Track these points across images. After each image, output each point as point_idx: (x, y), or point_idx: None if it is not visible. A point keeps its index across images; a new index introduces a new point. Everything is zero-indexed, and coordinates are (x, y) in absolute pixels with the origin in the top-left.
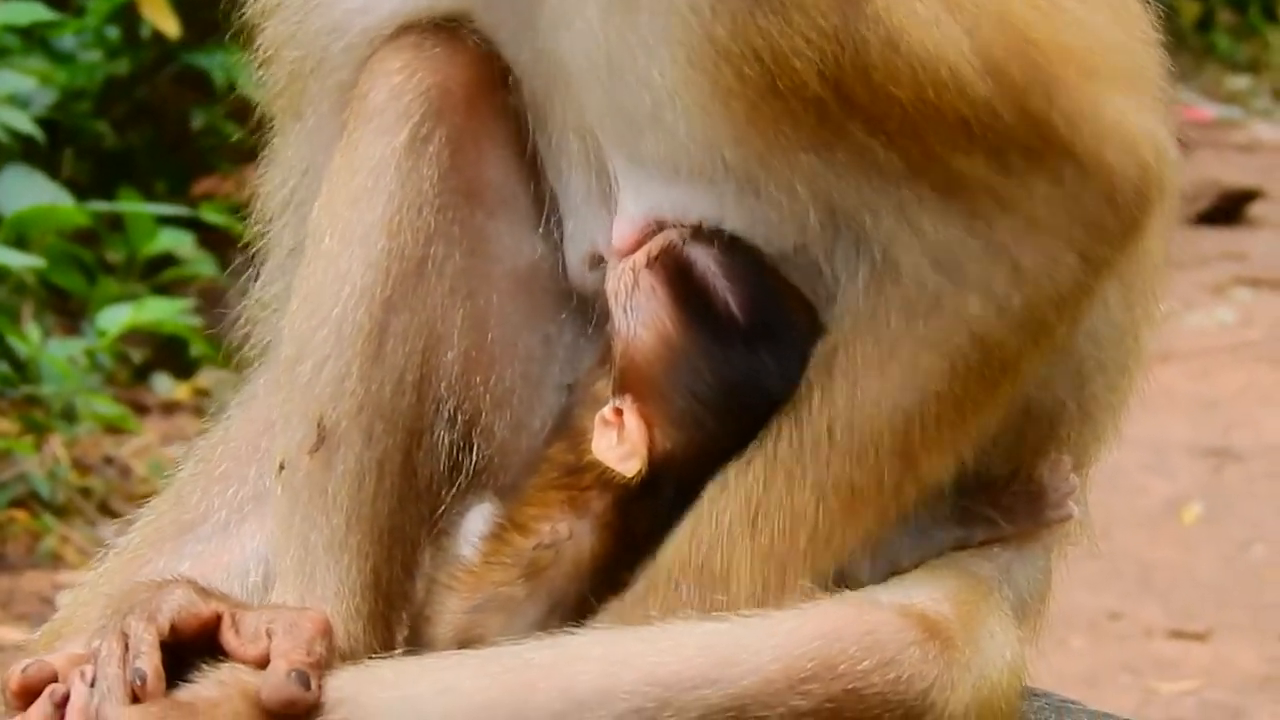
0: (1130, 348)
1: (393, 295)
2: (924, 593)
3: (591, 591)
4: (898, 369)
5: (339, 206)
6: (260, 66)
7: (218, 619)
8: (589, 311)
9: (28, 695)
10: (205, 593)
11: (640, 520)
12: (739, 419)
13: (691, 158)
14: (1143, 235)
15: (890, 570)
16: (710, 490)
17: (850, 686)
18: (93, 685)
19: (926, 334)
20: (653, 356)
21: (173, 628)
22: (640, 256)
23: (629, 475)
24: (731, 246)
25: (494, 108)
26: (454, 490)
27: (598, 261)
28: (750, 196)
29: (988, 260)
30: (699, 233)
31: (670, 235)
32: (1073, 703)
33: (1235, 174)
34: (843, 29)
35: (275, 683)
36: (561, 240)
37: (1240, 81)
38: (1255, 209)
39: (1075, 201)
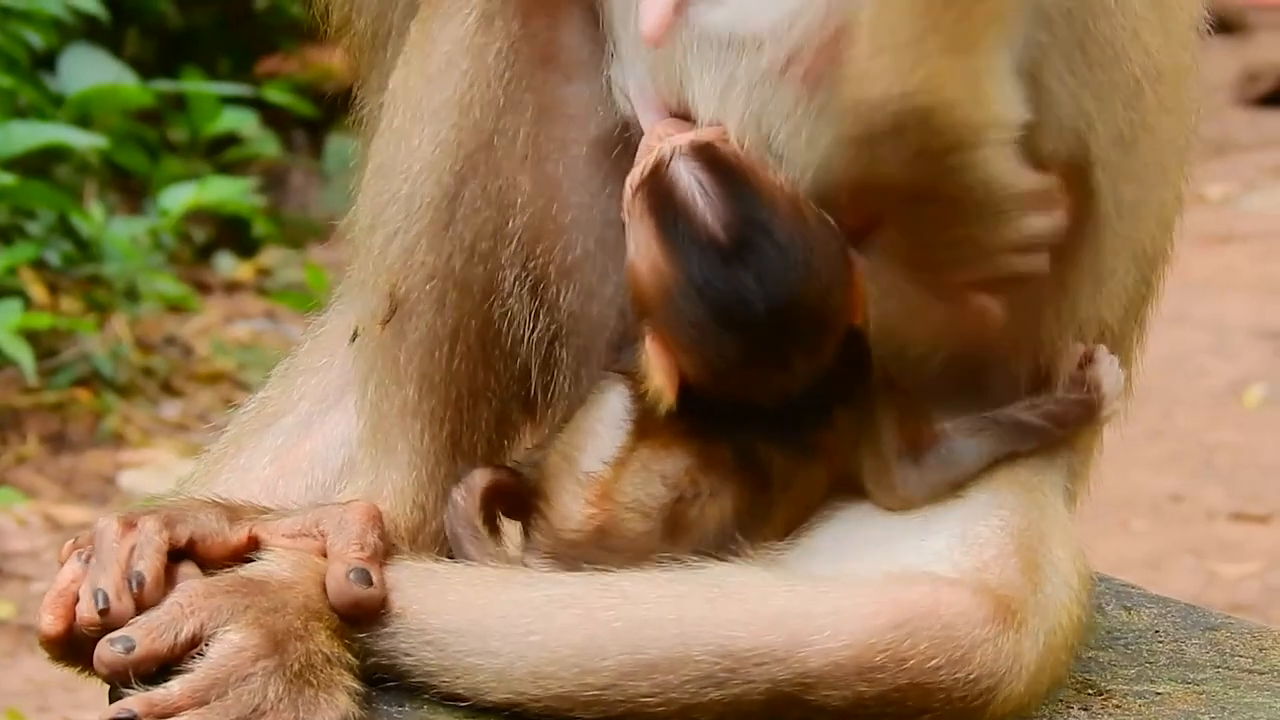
0: (1153, 231)
1: (463, 169)
2: (995, 547)
3: (741, 538)
4: None
5: (412, 82)
6: None
7: (252, 542)
8: None
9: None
10: (235, 514)
11: (751, 460)
12: (745, 341)
13: None
14: None
15: (942, 480)
16: None
17: (917, 680)
18: (87, 561)
19: None
20: (647, 282)
21: (192, 542)
22: (635, 174)
23: (664, 406)
24: (724, 161)
25: None
26: (538, 358)
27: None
28: None
29: None
30: (696, 146)
31: (663, 151)
32: (1133, 587)
33: None
34: None
35: (337, 587)
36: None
37: None
38: None
39: None
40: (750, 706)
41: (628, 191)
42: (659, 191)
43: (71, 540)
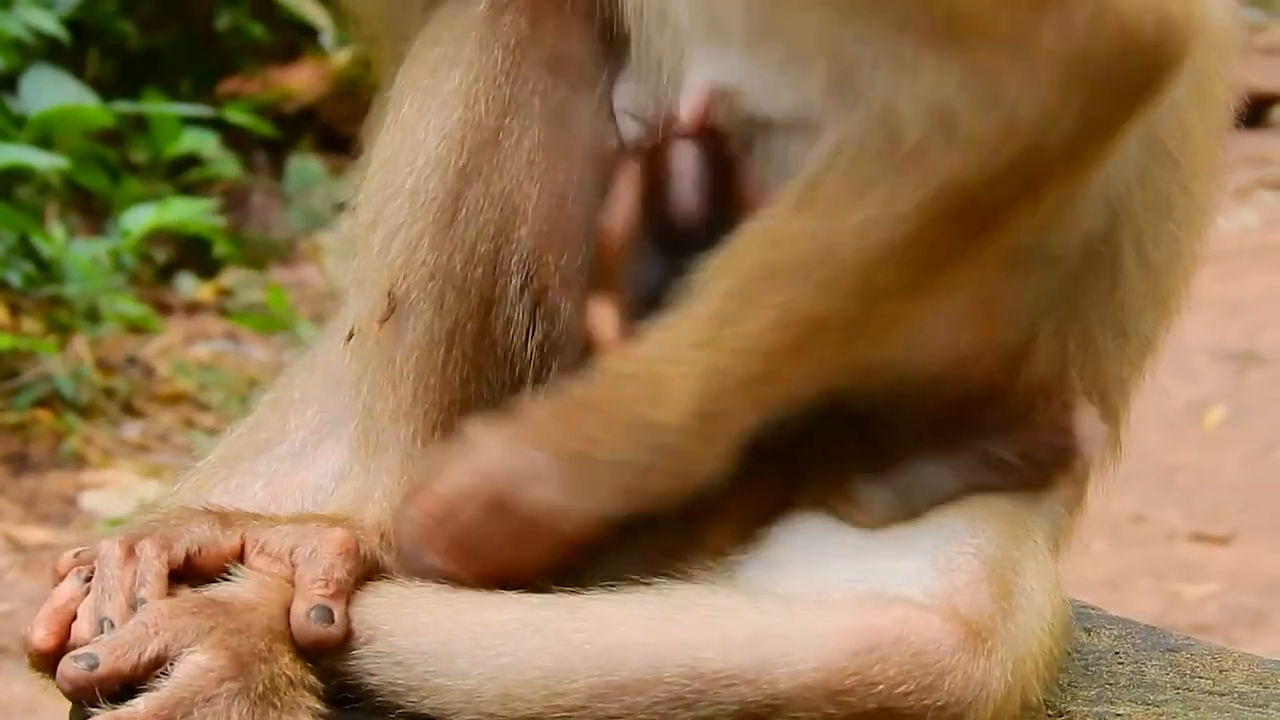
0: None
1: (467, 165)
2: (967, 573)
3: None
4: (872, 212)
5: (418, 74)
6: None
7: (242, 547)
8: None
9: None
10: (227, 520)
11: None
12: None
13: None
14: (1158, 94)
15: (907, 508)
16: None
17: (886, 705)
18: (88, 581)
19: (906, 178)
20: (614, 246)
21: (188, 559)
22: (639, 139)
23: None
24: (717, 150)
25: None
26: (534, 367)
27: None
28: (759, 56)
29: (983, 110)
30: (694, 129)
31: (663, 133)
32: (1093, 609)
33: (1259, 77)
34: None
35: (298, 624)
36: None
37: None
38: (1279, 113)
39: (1082, 54)
40: None
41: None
42: (650, 171)
43: (73, 553)
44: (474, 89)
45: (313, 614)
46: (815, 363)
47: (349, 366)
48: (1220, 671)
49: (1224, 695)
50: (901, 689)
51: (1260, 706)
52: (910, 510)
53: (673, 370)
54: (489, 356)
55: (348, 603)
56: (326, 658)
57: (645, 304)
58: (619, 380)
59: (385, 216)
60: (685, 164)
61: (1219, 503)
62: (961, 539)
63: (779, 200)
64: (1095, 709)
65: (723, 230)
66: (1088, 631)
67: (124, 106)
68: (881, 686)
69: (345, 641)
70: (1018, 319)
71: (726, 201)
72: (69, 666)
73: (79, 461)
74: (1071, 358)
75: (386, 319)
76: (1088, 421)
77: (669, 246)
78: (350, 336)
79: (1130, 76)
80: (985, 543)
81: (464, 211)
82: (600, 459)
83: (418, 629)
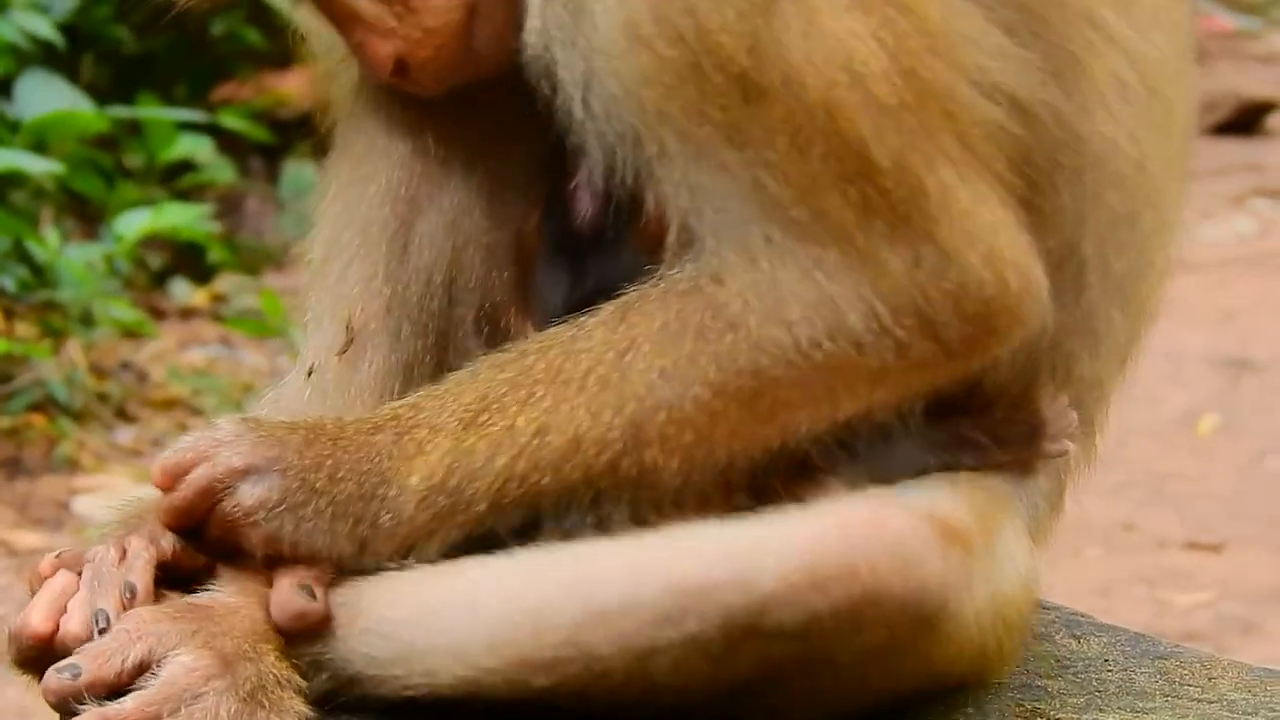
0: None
1: (418, 194)
2: (947, 500)
3: None
4: (671, 360)
5: (367, 107)
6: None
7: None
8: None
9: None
10: None
11: None
12: None
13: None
14: (981, 356)
15: (878, 474)
16: (458, 376)
17: (870, 590)
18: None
19: (716, 347)
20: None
21: (175, 556)
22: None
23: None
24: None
25: None
26: None
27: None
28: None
29: (812, 309)
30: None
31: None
32: (1083, 616)
33: (1254, 85)
34: (768, 4)
35: (281, 598)
36: None
37: None
38: (1273, 120)
39: (923, 290)
40: (706, 645)
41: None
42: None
43: (54, 555)
44: (421, 119)
45: (297, 589)
46: (564, 476)
47: (309, 403)
48: (1209, 679)
49: (1212, 703)
50: (884, 571)
51: (1249, 714)
52: (879, 481)
53: (430, 436)
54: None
55: (326, 588)
56: (310, 642)
57: (549, 315)
58: (378, 427)
59: (340, 248)
60: (585, 185)
61: (1211, 511)
62: (942, 484)
63: (596, 313)
64: (1084, 716)
65: (621, 244)
66: (1077, 639)
67: (119, 111)
68: (864, 571)
69: (327, 623)
70: None
71: (625, 218)
72: (53, 678)
73: (72, 466)
74: (1041, 359)
75: (345, 350)
76: (1055, 406)
77: (570, 258)
78: (310, 373)
79: (957, 328)
80: (967, 492)
81: (417, 240)
82: (326, 493)
83: (396, 600)
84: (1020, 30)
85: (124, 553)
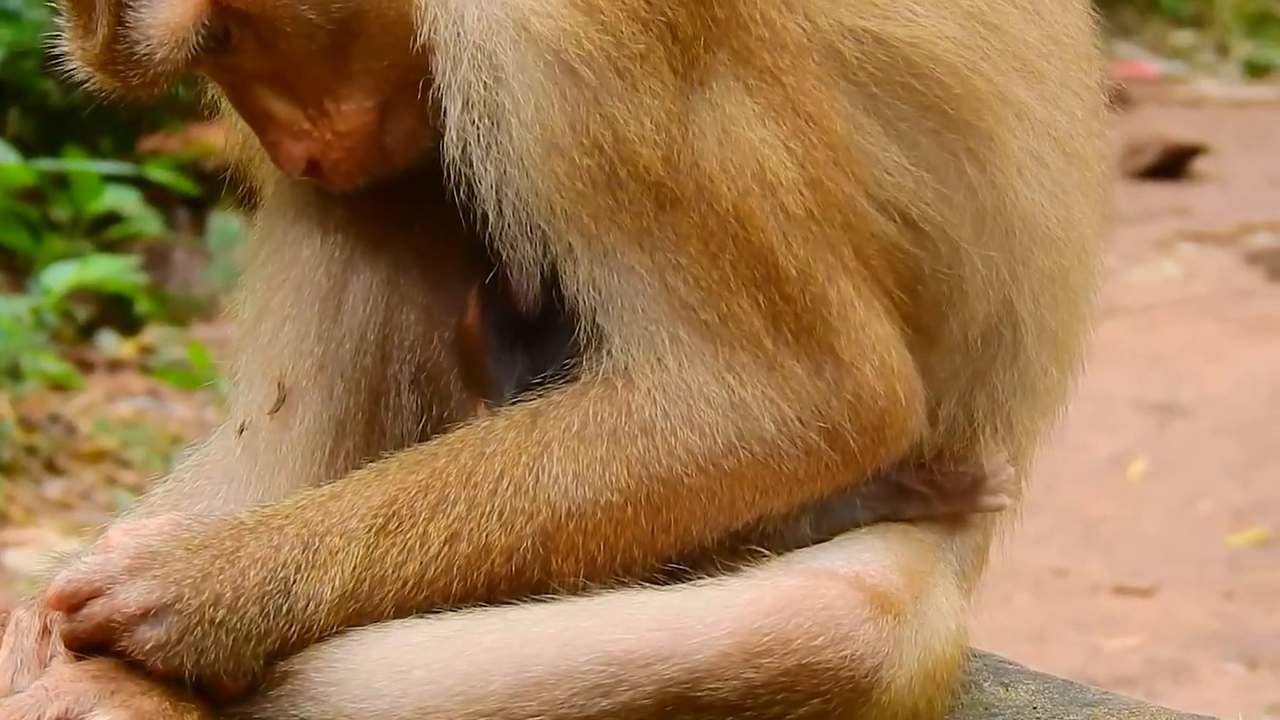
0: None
1: (353, 255)
2: (877, 561)
3: None
4: (585, 464)
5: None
6: None
7: None
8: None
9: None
10: None
11: None
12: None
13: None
14: (871, 465)
15: (814, 528)
16: (363, 475)
17: (804, 661)
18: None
19: (628, 451)
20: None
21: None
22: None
23: None
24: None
25: None
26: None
27: None
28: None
29: (726, 413)
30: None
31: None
32: (1011, 664)
33: (1179, 129)
34: (684, 114)
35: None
36: None
37: (1184, 37)
38: (1199, 164)
39: (824, 399)
40: (641, 715)
41: None
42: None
43: None
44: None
45: None
46: (471, 581)
47: (239, 462)
48: None
49: None
50: (817, 642)
51: None
52: (819, 539)
53: (343, 544)
54: (377, 446)
55: None
56: (238, 705)
57: (501, 394)
58: (284, 538)
59: (272, 308)
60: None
61: (1141, 555)
62: (873, 543)
63: (506, 414)
64: None
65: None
66: (1005, 686)
67: (45, 164)
68: (798, 642)
69: (256, 688)
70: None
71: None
72: None
73: (1, 520)
74: (981, 422)
75: (276, 409)
76: (995, 460)
77: (514, 339)
78: (241, 430)
79: (855, 437)
80: (897, 549)
81: (350, 300)
82: (226, 624)
83: (327, 664)
84: (921, 131)
85: (45, 627)
